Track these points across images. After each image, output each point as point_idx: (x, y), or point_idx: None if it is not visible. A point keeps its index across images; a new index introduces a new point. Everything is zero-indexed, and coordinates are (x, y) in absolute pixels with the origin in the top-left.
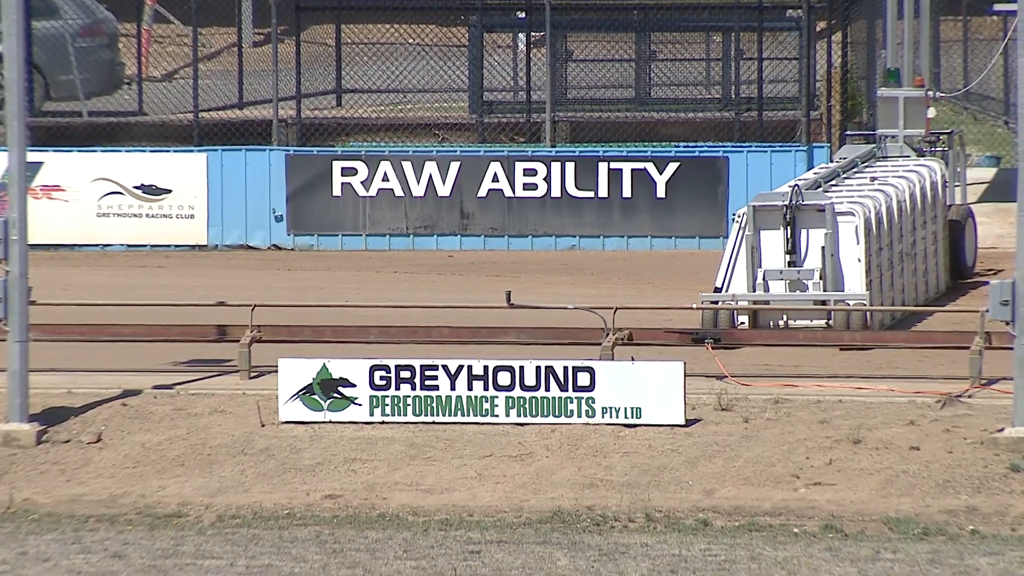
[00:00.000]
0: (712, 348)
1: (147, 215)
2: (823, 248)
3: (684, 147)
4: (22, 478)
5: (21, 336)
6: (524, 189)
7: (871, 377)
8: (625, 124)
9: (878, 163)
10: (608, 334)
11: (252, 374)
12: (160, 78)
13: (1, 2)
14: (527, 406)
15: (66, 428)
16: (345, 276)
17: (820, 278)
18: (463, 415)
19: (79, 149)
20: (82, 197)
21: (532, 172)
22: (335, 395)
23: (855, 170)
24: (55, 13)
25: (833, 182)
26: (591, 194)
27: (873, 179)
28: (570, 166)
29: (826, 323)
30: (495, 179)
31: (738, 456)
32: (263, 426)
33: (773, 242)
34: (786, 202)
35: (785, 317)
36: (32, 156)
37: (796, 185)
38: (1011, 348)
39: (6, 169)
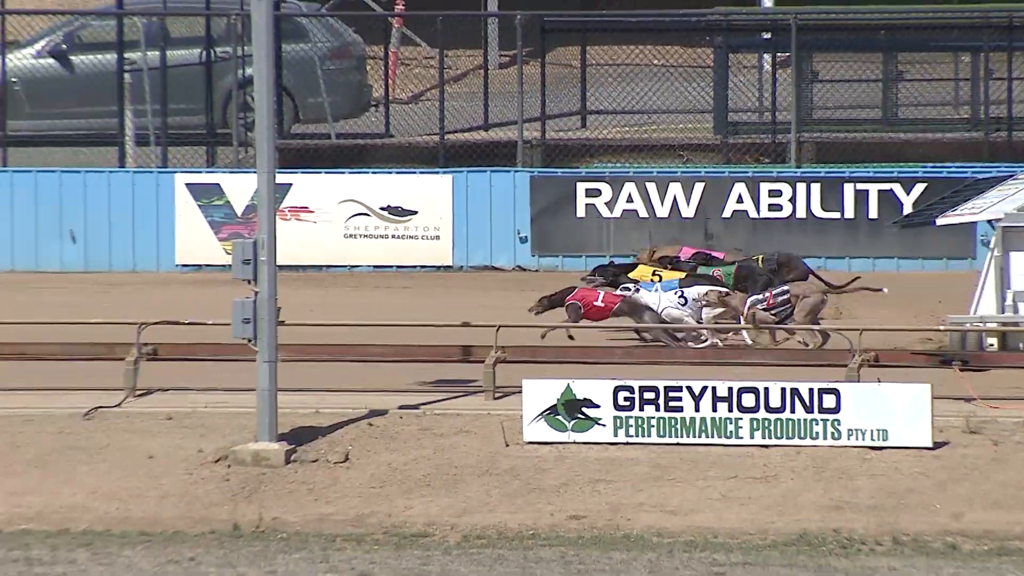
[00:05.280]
0: (960, 370)
1: (393, 236)
2: None
3: (931, 167)
4: (271, 497)
5: (270, 356)
6: (769, 210)
7: None
8: (871, 144)
9: None
10: (854, 355)
11: (497, 394)
12: (407, 100)
13: (252, 26)
14: (771, 428)
15: (314, 447)
16: None
17: None
18: (707, 436)
19: (327, 171)
20: (330, 218)
21: (777, 193)
22: (579, 415)
23: None
24: (304, 37)
25: None
26: (837, 215)
27: None
28: (815, 187)
29: None
30: (739, 200)
31: (987, 479)
32: (508, 446)
33: (1022, 263)
34: None
35: None
36: (281, 178)
37: None
38: None
39: (255, 191)
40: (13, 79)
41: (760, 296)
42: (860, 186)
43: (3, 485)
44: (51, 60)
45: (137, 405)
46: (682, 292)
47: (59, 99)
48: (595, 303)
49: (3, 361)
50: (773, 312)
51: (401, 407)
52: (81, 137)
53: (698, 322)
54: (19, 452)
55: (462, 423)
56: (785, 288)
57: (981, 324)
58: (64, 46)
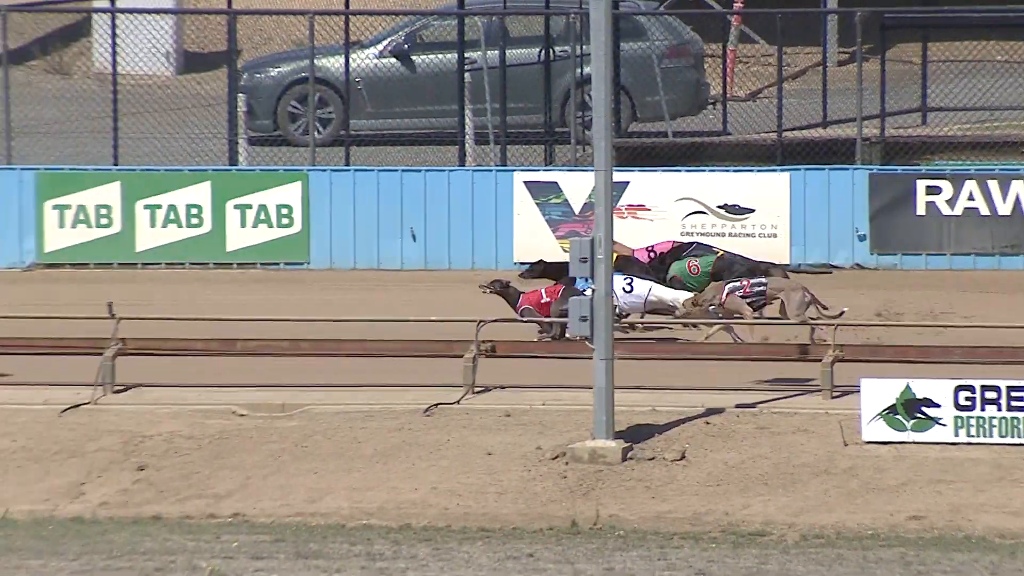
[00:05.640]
0: None
1: (730, 234)
2: None
3: None
4: (608, 494)
5: (606, 354)
6: None
7: None
8: None
9: None
10: None
11: (834, 394)
12: (744, 98)
13: (591, 25)
14: None
15: (650, 445)
16: (930, 295)
17: None
18: None
19: (663, 169)
20: (666, 216)
21: None
22: (918, 415)
23: None
24: (642, 35)
25: None
26: None
27: None
28: None
29: None
30: None
31: None
32: (846, 446)
33: None
34: None
35: None
36: (618, 176)
37: None
38: None
39: (593, 189)
40: (356, 79)
41: (737, 284)
42: None
43: (345, 480)
44: (393, 60)
45: (475, 402)
46: (630, 280)
47: (400, 98)
48: (541, 300)
49: (346, 357)
50: (747, 301)
51: (738, 405)
52: (422, 136)
53: (641, 315)
54: (360, 448)
55: (799, 422)
56: (762, 280)
57: None
58: (406, 46)
